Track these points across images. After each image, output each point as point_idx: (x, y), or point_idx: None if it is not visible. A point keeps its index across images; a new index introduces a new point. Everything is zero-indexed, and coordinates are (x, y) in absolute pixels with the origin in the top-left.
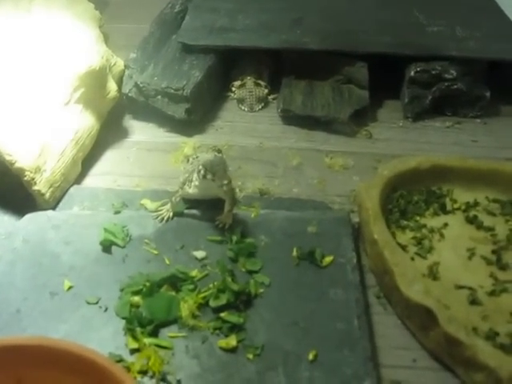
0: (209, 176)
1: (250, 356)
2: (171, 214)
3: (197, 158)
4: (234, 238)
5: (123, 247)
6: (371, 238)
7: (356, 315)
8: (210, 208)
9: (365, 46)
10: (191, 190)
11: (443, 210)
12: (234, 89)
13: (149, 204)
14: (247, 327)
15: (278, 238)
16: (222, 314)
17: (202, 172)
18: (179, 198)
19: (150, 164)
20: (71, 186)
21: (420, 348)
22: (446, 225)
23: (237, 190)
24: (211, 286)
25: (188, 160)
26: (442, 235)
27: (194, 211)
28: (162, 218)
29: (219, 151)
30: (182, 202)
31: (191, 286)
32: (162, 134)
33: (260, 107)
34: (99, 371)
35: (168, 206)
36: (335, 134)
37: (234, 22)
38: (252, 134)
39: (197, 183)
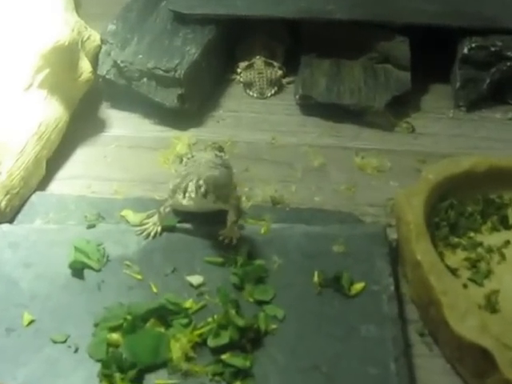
0: (210, 197)
1: None
2: (159, 229)
3: (192, 157)
4: (240, 259)
5: (98, 271)
6: (413, 259)
7: (393, 358)
8: (208, 221)
9: (406, 16)
10: (185, 201)
11: (504, 224)
12: (239, 70)
13: (131, 216)
14: (255, 372)
15: (295, 259)
16: (224, 356)
17: (203, 190)
18: (169, 209)
19: (133, 165)
20: (33, 192)
21: None
22: (507, 243)
23: (243, 198)
24: (210, 320)
25: (181, 160)
26: (502, 256)
27: (187, 225)
28: (148, 234)
29: (220, 150)
30: (172, 213)
31: (185, 321)
32: (148, 126)
33: (272, 93)
34: None
35: (155, 219)
36: (368, 127)
37: None
38: (262, 127)
39: (193, 196)
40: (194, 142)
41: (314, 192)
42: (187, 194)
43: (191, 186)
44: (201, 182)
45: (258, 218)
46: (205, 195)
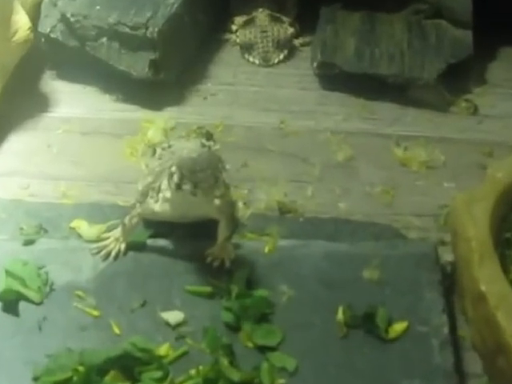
0: (186, 186)
1: None
2: (123, 247)
3: (169, 148)
4: (235, 288)
5: (39, 304)
6: (475, 289)
7: None
8: (191, 235)
9: None
10: (159, 207)
11: None
12: (235, 27)
13: (85, 228)
14: None
15: (312, 289)
16: None
17: (176, 179)
18: (137, 219)
19: (88, 158)
20: None
21: None
22: None
23: (240, 205)
24: (193, 373)
25: (154, 152)
26: None
27: (163, 241)
28: (108, 254)
29: (209, 137)
30: (142, 225)
31: (158, 374)
32: (108, 105)
33: (281, 58)
34: None
35: (118, 233)
36: (413, 106)
37: None
38: (267, 106)
39: (168, 195)
40: (171, 126)
41: (337, 196)
42: (160, 196)
43: (165, 186)
44: (173, 168)
45: (260, 231)
46: (179, 185)
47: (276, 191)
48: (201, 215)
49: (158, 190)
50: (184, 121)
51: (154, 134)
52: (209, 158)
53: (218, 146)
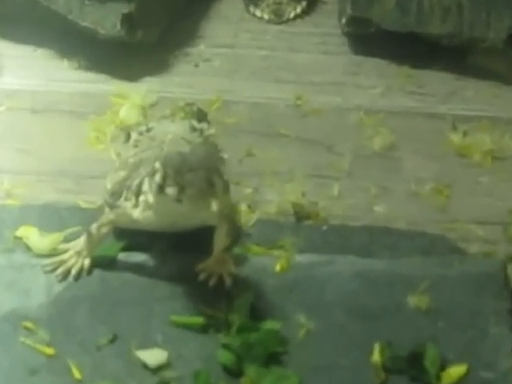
0: (170, 190)
1: None
2: (87, 263)
3: (148, 132)
4: (236, 318)
5: None
6: None
7: None
8: (177, 247)
9: None
10: (139, 213)
11: None
12: None
13: (35, 238)
14: None
15: (338, 320)
16: None
17: (158, 179)
18: (108, 228)
19: (40, 144)
20: None
21: None
22: None
23: (242, 207)
24: None
25: (128, 137)
26: None
27: (140, 256)
28: (67, 272)
29: (201, 117)
30: (113, 234)
31: None
32: (66, 73)
33: (298, 12)
34: None
35: (80, 245)
36: (474, 77)
37: None
38: (279, 75)
39: (151, 199)
40: (151, 102)
41: (373, 197)
42: (142, 199)
43: (147, 186)
44: (156, 164)
45: (269, 243)
46: (161, 187)
47: (291, 190)
48: (194, 223)
49: (138, 191)
50: (168, 95)
51: (127, 112)
52: (204, 153)
53: (213, 130)
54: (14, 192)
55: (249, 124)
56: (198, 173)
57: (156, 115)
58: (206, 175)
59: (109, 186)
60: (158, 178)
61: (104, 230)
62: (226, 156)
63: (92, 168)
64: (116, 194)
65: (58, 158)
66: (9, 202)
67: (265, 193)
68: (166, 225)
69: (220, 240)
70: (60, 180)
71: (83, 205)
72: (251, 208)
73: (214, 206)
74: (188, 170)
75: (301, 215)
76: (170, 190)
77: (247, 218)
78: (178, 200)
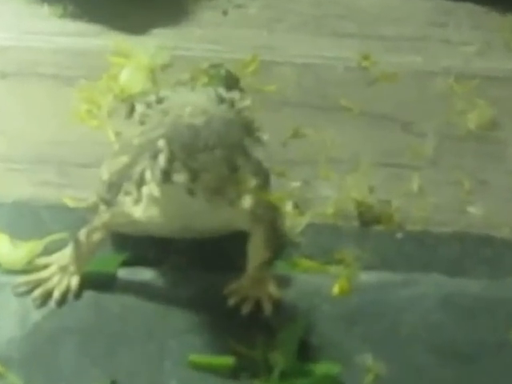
0: (178, 176)
1: None
2: (75, 283)
3: (159, 103)
4: (279, 359)
5: None
6: None
7: None
8: (196, 261)
9: None
10: (142, 212)
11: None
12: None
13: (4, 248)
14: None
15: (421, 361)
16: None
17: (162, 162)
18: (102, 234)
19: (9, 121)
20: None
21: None
22: None
23: (287, 207)
24: None
25: (132, 110)
26: None
27: (146, 273)
28: (47, 295)
29: (232, 83)
30: (110, 243)
31: None
32: (48, 23)
33: None
34: None
35: (66, 258)
36: None
37: None
38: (338, 26)
39: (155, 191)
40: (164, 62)
41: (467, 193)
42: (145, 191)
43: (151, 170)
44: (160, 142)
45: (325, 255)
46: (166, 173)
47: (354, 183)
48: (218, 227)
49: (140, 182)
50: (187, 53)
51: (130, 77)
52: (224, 126)
53: (248, 102)
54: None
55: (296, 93)
56: (216, 152)
57: (170, 81)
58: (227, 156)
59: (105, 177)
60: (161, 160)
61: (97, 236)
62: (265, 137)
63: (82, 153)
64: (114, 187)
65: (36, 138)
66: None
67: (318, 187)
68: (179, 228)
69: (256, 252)
70: (38, 169)
71: (69, 202)
72: (300, 208)
73: (246, 201)
74: (202, 149)
75: (368, 218)
76: (178, 177)
77: (294, 221)
78: (190, 191)
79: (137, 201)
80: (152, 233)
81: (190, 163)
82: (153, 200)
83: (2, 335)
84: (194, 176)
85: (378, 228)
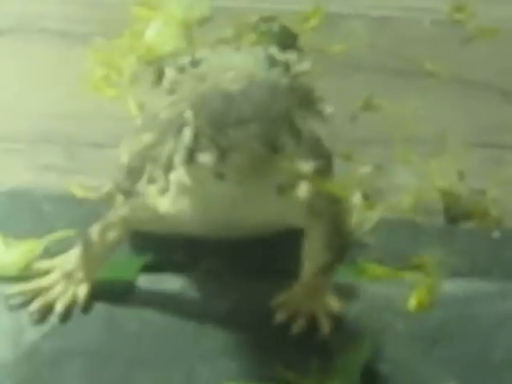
0: (204, 157)
1: None
2: (84, 293)
3: (194, 66)
4: None
5: None
6: None
7: None
8: (237, 267)
9: None
10: (168, 204)
11: None
12: None
13: None
14: None
15: None
16: None
17: (187, 139)
18: (119, 232)
19: (5, 89)
20: None
21: None
22: None
23: (355, 199)
24: None
25: (160, 76)
26: None
27: (172, 281)
28: (48, 308)
29: (287, 41)
30: (129, 244)
31: None
32: None
33: None
34: None
35: (71, 262)
36: None
37: None
38: None
39: (185, 177)
40: (202, 15)
41: None
42: (173, 178)
43: (178, 150)
44: (187, 114)
45: (400, 259)
46: (191, 152)
47: (440, 168)
48: (264, 223)
49: (168, 166)
50: (231, 4)
51: (159, 33)
52: (266, 94)
53: (307, 65)
54: None
55: (370, 55)
56: (251, 127)
57: (209, 39)
58: (266, 132)
59: (124, 160)
60: (186, 136)
61: (113, 234)
62: (329, 110)
63: (95, 130)
64: (135, 172)
65: (38, 111)
66: None
67: (394, 173)
68: (216, 226)
69: (313, 254)
70: (40, 149)
71: (78, 192)
72: (370, 199)
73: (301, 190)
74: (234, 123)
75: (456, 213)
76: (204, 157)
77: (363, 216)
78: (219, 174)
79: (163, 190)
80: (183, 232)
81: (218, 139)
82: (183, 189)
83: None
84: (222, 155)
85: (469, 225)
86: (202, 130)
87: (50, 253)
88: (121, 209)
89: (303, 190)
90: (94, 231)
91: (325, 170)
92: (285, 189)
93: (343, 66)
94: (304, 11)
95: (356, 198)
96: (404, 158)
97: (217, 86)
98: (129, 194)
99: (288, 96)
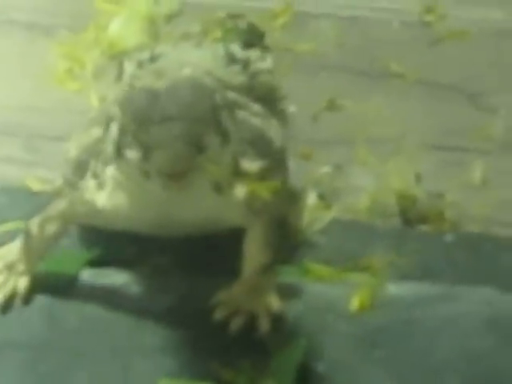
0: (130, 153)
1: None
2: (24, 285)
3: (152, 61)
4: None
5: None
6: None
7: None
8: (184, 261)
9: None
10: (107, 199)
11: None
12: None
13: None
14: None
15: None
16: None
17: (114, 134)
18: (58, 225)
19: None
20: None
21: None
22: None
23: (309, 197)
24: None
25: (120, 70)
26: None
27: (116, 276)
28: None
29: (253, 38)
30: (79, 239)
31: None
32: None
33: None
34: None
35: (13, 253)
36: None
37: None
38: None
39: (117, 172)
40: (171, 10)
41: None
42: (109, 173)
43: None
44: (114, 109)
45: (349, 260)
46: (118, 149)
47: (397, 169)
48: (203, 221)
49: (107, 161)
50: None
51: (123, 27)
52: (193, 90)
53: (268, 63)
54: None
55: (337, 54)
56: (175, 125)
57: (176, 34)
58: (190, 131)
59: (72, 154)
60: (113, 131)
61: (52, 228)
62: (291, 109)
63: (57, 123)
64: (82, 167)
65: (0, 103)
66: None
67: (353, 174)
68: (155, 223)
69: (252, 253)
70: (1, 141)
71: (34, 185)
72: (325, 200)
73: (239, 190)
74: (157, 120)
75: (412, 215)
76: (130, 154)
77: (316, 215)
78: (144, 173)
79: (101, 185)
80: (124, 228)
81: (142, 136)
82: (118, 184)
83: None
84: (146, 153)
85: (424, 228)
86: (127, 126)
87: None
88: (60, 202)
89: (241, 188)
90: (34, 224)
91: (272, 169)
92: (222, 187)
93: (309, 65)
94: (273, 9)
95: (311, 198)
96: (363, 160)
97: (144, 82)
98: (72, 187)
99: (213, 95)
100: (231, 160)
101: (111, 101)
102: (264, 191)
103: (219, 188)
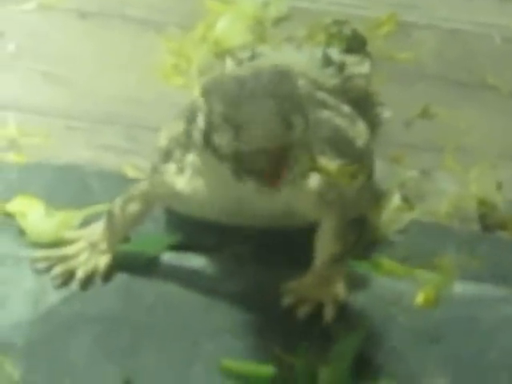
0: (220, 138)
1: None
2: (105, 263)
3: (251, 59)
4: (329, 373)
5: None
6: None
7: None
8: (262, 251)
9: None
10: (185, 183)
11: None
12: None
13: (35, 216)
14: None
15: None
16: None
17: (201, 122)
18: (139, 206)
19: (79, 69)
20: None
21: None
22: None
23: (394, 198)
24: None
25: (223, 66)
26: None
27: (196, 259)
28: (69, 275)
29: (355, 44)
30: (163, 223)
31: None
32: None
33: None
34: None
35: (96, 233)
36: None
37: None
38: None
39: (198, 159)
40: (279, 14)
41: None
42: (189, 159)
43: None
44: (199, 100)
45: (422, 259)
46: (206, 135)
47: (479, 177)
48: (276, 211)
49: (187, 147)
50: (310, 5)
51: (229, 27)
52: (278, 74)
53: (365, 68)
54: (23, 142)
55: (436, 65)
56: (265, 102)
57: (281, 37)
58: (279, 107)
59: (162, 143)
60: (200, 121)
61: (133, 208)
62: (387, 114)
63: (157, 115)
64: (170, 155)
65: (105, 93)
66: (10, 156)
67: (438, 180)
68: (231, 211)
69: (323, 244)
70: (102, 129)
71: (130, 172)
72: (409, 202)
73: (313, 181)
74: (248, 98)
75: (490, 221)
76: (219, 138)
77: (398, 216)
78: (236, 173)
79: (181, 169)
80: (200, 214)
81: (232, 116)
82: (197, 171)
83: (8, 318)
84: (237, 132)
85: (501, 234)
86: (217, 109)
87: (87, 223)
88: (142, 184)
89: (314, 180)
90: (116, 204)
91: (351, 169)
92: (298, 179)
93: (408, 73)
94: (378, 18)
95: (395, 199)
96: (450, 166)
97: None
98: (155, 171)
99: (296, 80)
100: (309, 155)
101: (197, 93)
102: (339, 184)
103: (302, 175)
